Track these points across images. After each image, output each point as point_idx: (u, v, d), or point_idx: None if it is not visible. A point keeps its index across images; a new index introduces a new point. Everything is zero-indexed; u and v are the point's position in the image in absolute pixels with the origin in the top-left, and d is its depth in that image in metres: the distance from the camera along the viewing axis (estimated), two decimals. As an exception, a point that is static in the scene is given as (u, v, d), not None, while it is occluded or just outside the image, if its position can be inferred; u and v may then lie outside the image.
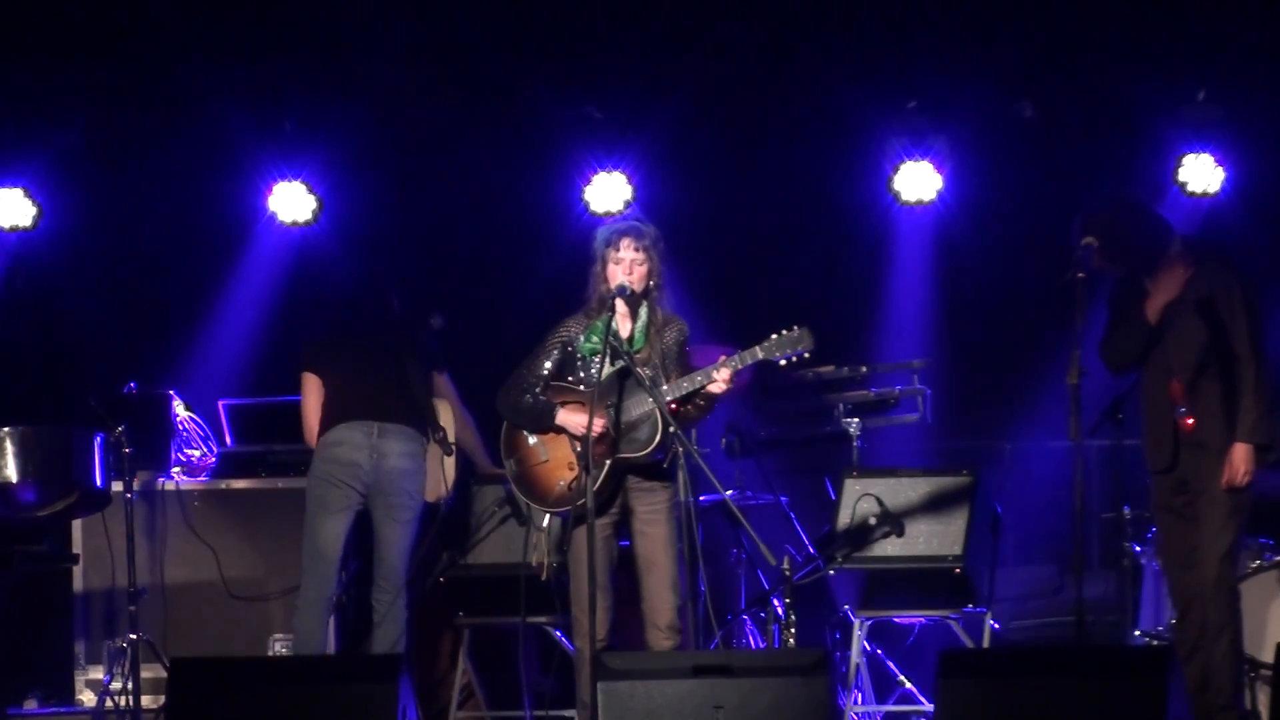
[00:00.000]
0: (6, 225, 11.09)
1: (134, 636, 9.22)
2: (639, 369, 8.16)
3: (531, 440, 8.37)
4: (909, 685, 9.28)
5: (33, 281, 11.22)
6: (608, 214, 11.06)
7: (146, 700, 9.38)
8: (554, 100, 10.91)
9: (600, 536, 8.10)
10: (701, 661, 7.41)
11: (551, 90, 10.87)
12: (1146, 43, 10.52)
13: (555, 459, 8.31)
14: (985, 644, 8.99)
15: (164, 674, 8.91)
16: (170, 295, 11.14)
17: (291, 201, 11.03)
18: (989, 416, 11.13)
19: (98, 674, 9.86)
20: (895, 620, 9.21)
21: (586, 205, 11.09)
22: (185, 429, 10.08)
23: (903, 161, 10.99)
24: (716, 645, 8.58)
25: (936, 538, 8.83)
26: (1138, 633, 9.26)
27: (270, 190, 11.04)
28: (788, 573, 8.25)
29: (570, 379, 8.31)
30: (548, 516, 8.53)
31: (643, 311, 8.33)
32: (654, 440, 8.15)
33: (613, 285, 8.23)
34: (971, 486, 8.90)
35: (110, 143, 10.99)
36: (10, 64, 10.63)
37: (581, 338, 8.31)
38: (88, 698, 9.86)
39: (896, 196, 11.04)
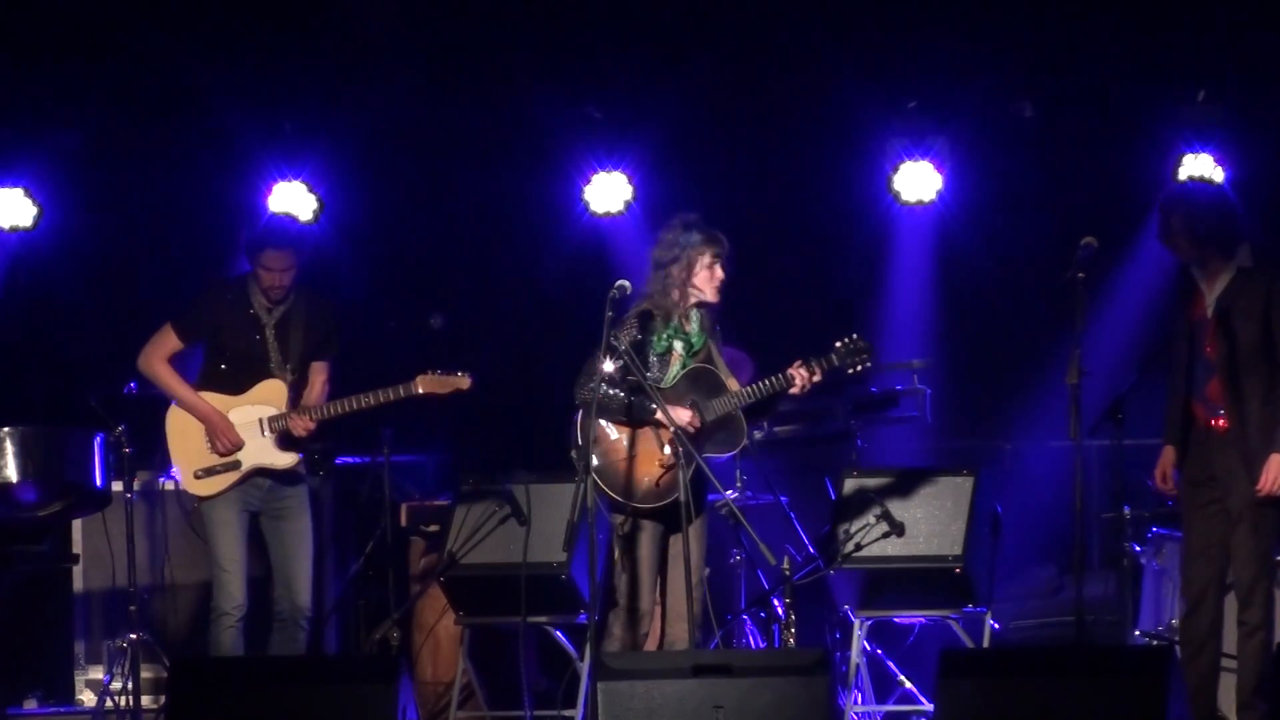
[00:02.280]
0: (6, 225, 11.09)
1: (134, 636, 9.21)
2: (704, 366, 8.35)
3: (614, 434, 8.37)
4: (909, 685, 9.28)
5: (33, 281, 11.22)
6: (608, 214, 11.07)
7: (146, 700, 9.37)
8: (554, 100, 10.91)
9: (660, 533, 8.29)
10: (701, 661, 7.41)
11: (551, 90, 10.87)
12: (1146, 43, 10.52)
13: (643, 452, 8.34)
14: (985, 644, 8.99)
15: (164, 674, 8.92)
16: (170, 295, 11.12)
17: (291, 201, 11.03)
18: (989, 416, 11.13)
19: (98, 674, 9.86)
20: (895, 620, 9.20)
21: (586, 205, 11.10)
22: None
23: (903, 161, 10.99)
24: (716, 645, 8.59)
25: (936, 538, 8.82)
26: (1138, 633, 9.26)
27: (270, 190, 11.04)
28: (788, 573, 8.25)
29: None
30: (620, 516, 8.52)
31: (694, 312, 8.43)
32: (740, 441, 8.29)
33: (705, 295, 8.35)
34: (971, 486, 8.90)
35: (110, 143, 10.99)
36: (10, 64, 10.63)
37: (654, 337, 8.38)
38: (88, 698, 9.86)
39: (896, 196, 11.04)
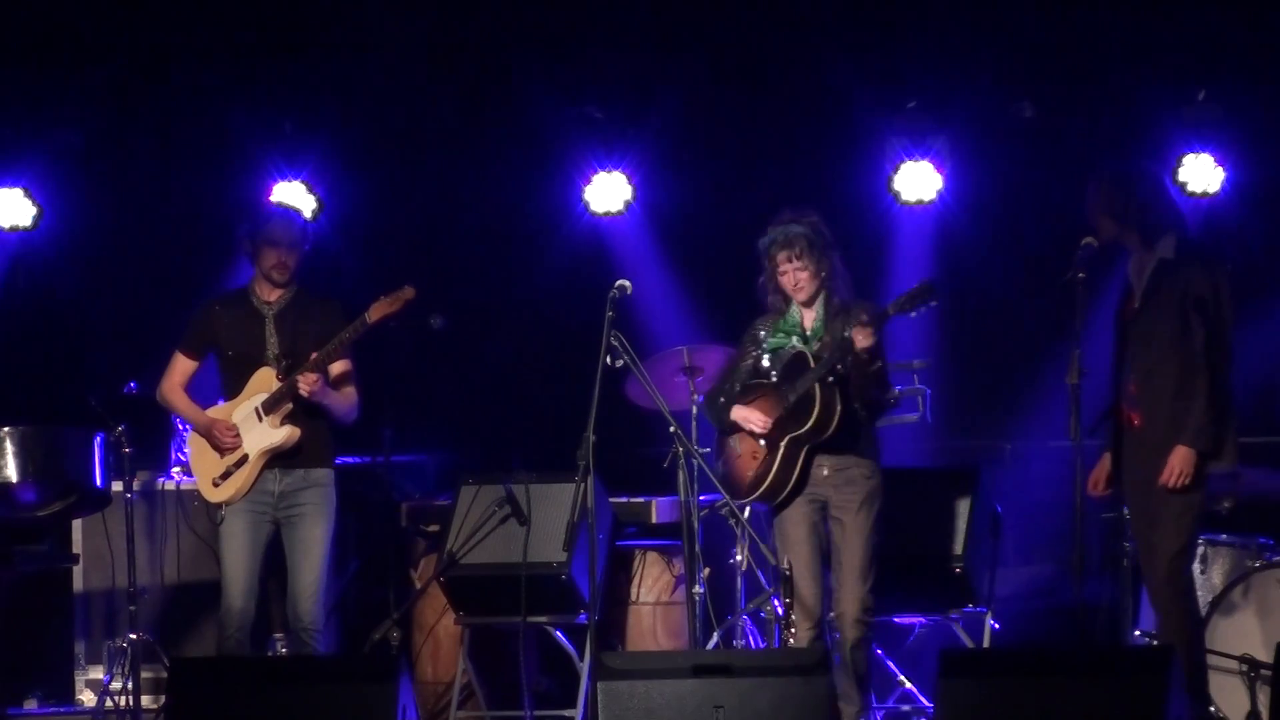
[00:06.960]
0: (6, 225, 11.10)
1: (134, 636, 9.22)
2: (807, 352, 8.32)
3: (730, 439, 8.50)
4: (909, 685, 9.28)
5: (33, 281, 11.22)
6: (608, 214, 11.07)
7: (146, 700, 9.38)
8: (554, 100, 10.91)
9: (808, 522, 8.26)
10: (701, 661, 7.42)
11: (551, 90, 10.87)
12: (1146, 43, 10.52)
13: (744, 451, 8.44)
14: (985, 644, 8.98)
15: (164, 674, 8.92)
16: (170, 295, 11.13)
17: (291, 201, 11.01)
18: (989, 416, 11.12)
19: (98, 674, 9.87)
20: (895, 620, 9.20)
21: (586, 205, 11.10)
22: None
23: (903, 161, 10.99)
24: (716, 645, 8.58)
25: (936, 538, 8.82)
26: (1138, 633, 9.26)
27: (270, 190, 11.03)
28: (788, 573, 8.25)
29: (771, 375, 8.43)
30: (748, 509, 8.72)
31: (819, 302, 8.41)
32: (811, 418, 8.21)
33: (796, 298, 8.38)
34: (972, 487, 8.90)
35: (110, 143, 10.99)
36: (11, 64, 10.64)
37: (765, 334, 8.46)
38: (88, 698, 9.87)
39: (896, 196, 11.04)
